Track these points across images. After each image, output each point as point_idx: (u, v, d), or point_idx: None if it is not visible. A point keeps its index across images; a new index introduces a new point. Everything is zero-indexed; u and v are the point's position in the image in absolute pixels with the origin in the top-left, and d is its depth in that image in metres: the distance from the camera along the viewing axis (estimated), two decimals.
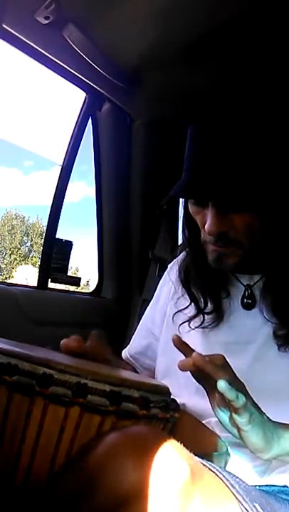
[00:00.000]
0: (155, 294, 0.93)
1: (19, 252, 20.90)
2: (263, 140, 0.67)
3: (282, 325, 0.71)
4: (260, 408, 0.59)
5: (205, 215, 0.69)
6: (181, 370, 0.59)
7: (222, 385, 0.53)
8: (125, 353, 0.92)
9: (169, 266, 0.92)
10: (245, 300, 0.76)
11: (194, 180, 0.69)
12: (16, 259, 20.69)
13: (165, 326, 0.85)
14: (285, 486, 0.67)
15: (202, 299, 0.78)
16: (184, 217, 0.78)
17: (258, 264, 0.75)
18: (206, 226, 0.69)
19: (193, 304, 0.79)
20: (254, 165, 0.66)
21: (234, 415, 0.55)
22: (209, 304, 0.77)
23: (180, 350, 0.64)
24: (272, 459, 0.60)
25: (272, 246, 0.72)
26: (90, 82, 1.34)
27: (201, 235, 0.73)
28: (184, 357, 0.72)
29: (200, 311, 0.78)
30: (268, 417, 0.59)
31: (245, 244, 0.70)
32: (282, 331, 0.70)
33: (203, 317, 0.77)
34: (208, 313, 0.77)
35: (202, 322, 0.77)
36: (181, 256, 0.85)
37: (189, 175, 0.70)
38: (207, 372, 0.57)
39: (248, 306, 0.76)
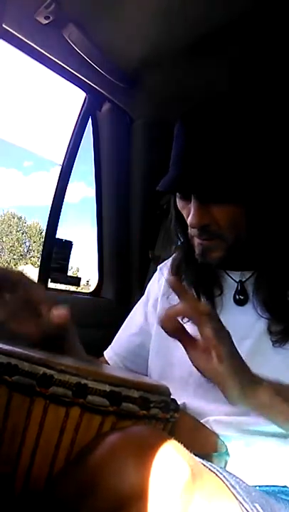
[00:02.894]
0: (145, 294, 0.91)
1: (17, 251, 20.90)
2: (242, 135, 0.69)
3: (275, 321, 0.71)
4: (242, 359, 0.59)
5: (190, 209, 0.70)
6: (166, 318, 0.58)
7: (208, 329, 0.54)
8: (109, 352, 0.89)
9: (162, 264, 0.92)
10: (237, 296, 0.76)
11: (175, 174, 0.71)
12: (13, 258, 20.69)
13: (157, 325, 0.84)
14: (285, 486, 0.67)
15: (195, 296, 0.78)
16: (174, 214, 0.79)
17: (248, 260, 0.75)
18: (188, 219, 0.70)
19: None
20: (234, 158, 0.67)
21: (217, 364, 0.55)
22: (202, 301, 0.77)
23: (177, 293, 0.61)
24: (248, 408, 0.60)
25: (260, 241, 0.72)
26: (90, 82, 1.34)
27: (188, 229, 0.74)
28: (179, 359, 0.72)
29: None
30: (248, 368, 0.59)
31: (229, 238, 0.71)
32: (276, 327, 0.71)
33: None
34: None
35: None
36: (175, 255, 0.86)
37: (171, 170, 0.72)
38: (194, 320, 0.57)
39: (240, 302, 0.76)
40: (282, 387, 0.61)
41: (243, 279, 0.77)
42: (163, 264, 0.92)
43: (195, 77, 1.25)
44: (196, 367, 0.59)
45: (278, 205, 0.72)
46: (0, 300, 0.55)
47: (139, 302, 0.92)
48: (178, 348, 0.77)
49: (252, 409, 0.60)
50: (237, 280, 0.77)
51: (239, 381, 0.57)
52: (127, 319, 0.92)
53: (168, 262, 0.88)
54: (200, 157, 0.68)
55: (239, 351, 0.72)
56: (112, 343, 0.91)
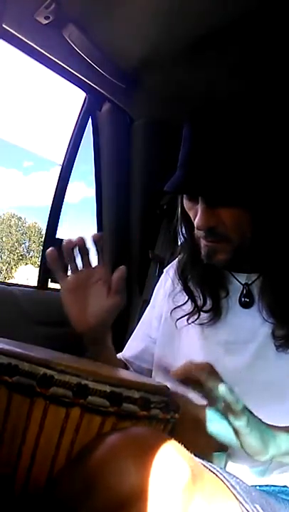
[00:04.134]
0: (152, 298, 0.92)
1: (16, 251, 20.93)
2: (251, 138, 0.68)
3: (280, 325, 0.71)
4: (251, 411, 0.59)
5: (197, 211, 0.70)
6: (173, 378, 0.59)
7: (223, 389, 0.53)
8: (120, 357, 0.91)
9: (169, 266, 0.92)
10: (242, 298, 0.76)
11: (183, 175, 0.70)
12: (13, 259, 20.70)
13: (162, 325, 0.84)
14: (285, 486, 0.67)
15: (201, 297, 0.78)
16: (180, 214, 0.79)
17: (254, 263, 0.75)
18: (195, 221, 0.70)
19: (190, 301, 0.79)
20: (242, 161, 0.67)
21: (233, 419, 0.55)
22: (207, 302, 0.77)
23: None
24: (269, 460, 0.60)
25: (266, 244, 0.72)
26: (90, 82, 1.34)
27: (195, 230, 0.74)
28: (181, 360, 0.72)
29: (197, 308, 0.78)
30: (259, 419, 0.59)
31: (235, 240, 0.71)
32: (280, 331, 0.70)
33: (199, 314, 0.77)
34: (205, 312, 0.77)
35: (198, 317, 0.77)
36: (181, 255, 0.86)
37: (179, 171, 0.71)
38: (199, 380, 0.56)
39: (245, 305, 0.76)
40: None
41: (249, 282, 0.77)
42: (169, 266, 0.92)
43: (195, 77, 1.25)
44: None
45: (285, 208, 0.71)
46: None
47: (147, 309, 0.93)
48: (180, 352, 0.78)
49: (274, 459, 0.60)
50: (243, 282, 0.77)
51: (259, 434, 0.56)
52: (137, 326, 0.93)
53: (173, 264, 0.88)
54: (208, 159, 0.67)
55: (243, 355, 0.72)
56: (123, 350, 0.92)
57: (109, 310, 0.77)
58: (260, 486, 0.66)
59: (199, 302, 0.78)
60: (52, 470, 0.42)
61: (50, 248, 0.76)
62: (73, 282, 0.77)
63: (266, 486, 0.67)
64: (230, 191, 0.67)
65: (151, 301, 0.92)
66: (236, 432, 0.55)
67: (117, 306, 0.77)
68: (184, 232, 0.80)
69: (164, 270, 0.93)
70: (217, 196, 0.68)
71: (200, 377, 0.56)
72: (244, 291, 0.76)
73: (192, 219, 0.73)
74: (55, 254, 0.76)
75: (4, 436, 0.43)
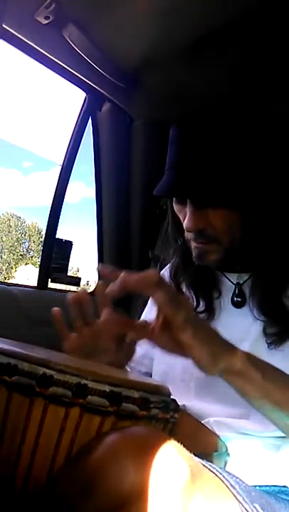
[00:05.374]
0: (149, 301, 0.92)
1: (16, 251, 20.95)
2: (237, 139, 0.68)
3: (271, 323, 0.71)
4: (207, 324, 0.59)
5: (186, 213, 0.71)
6: (109, 294, 0.59)
7: (159, 299, 0.53)
8: None
9: (163, 270, 0.93)
10: (235, 298, 0.77)
11: (170, 178, 0.71)
12: (13, 259, 20.72)
13: None
14: (285, 486, 0.67)
15: (194, 299, 0.78)
16: (170, 217, 0.79)
17: (245, 262, 0.76)
18: (184, 223, 0.71)
19: None
20: (229, 163, 0.67)
21: (178, 331, 0.54)
22: (201, 304, 0.78)
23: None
24: (219, 375, 0.58)
25: (256, 244, 0.72)
26: (90, 82, 1.34)
27: (185, 233, 0.74)
28: (180, 362, 0.72)
29: None
30: (217, 333, 0.58)
31: (225, 241, 0.71)
32: (271, 329, 0.71)
33: None
34: (199, 313, 0.77)
35: None
36: (173, 258, 0.87)
37: (167, 174, 0.72)
38: (142, 290, 0.56)
39: (237, 304, 0.76)
40: (258, 360, 0.59)
41: (241, 282, 0.77)
42: (164, 269, 0.92)
43: (195, 77, 1.25)
44: (161, 347, 0.59)
45: (274, 208, 0.72)
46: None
47: (143, 312, 0.93)
48: None
49: (225, 377, 0.58)
50: (234, 282, 0.78)
51: (208, 346, 0.55)
52: None
53: (167, 268, 0.89)
54: (195, 162, 0.68)
55: None
56: None
57: (120, 365, 0.72)
58: (260, 486, 0.66)
59: (192, 304, 0.78)
60: (52, 469, 0.42)
61: (55, 309, 0.70)
62: (78, 341, 0.71)
63: (266, 486, 0.67)
64: (218, 192, 0.68)
65: (148, 304, 0.92)
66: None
67: (127, 359, 0.74)
68: (174, 235, 0.80)
69: (161, 272, 0.93)
70: (205, 198, 0.69)
71: (141, 287, 0.57)
72: (236, 291, 0.77)
73: (182, 221, 0.73)
74: (60, 314, 0.71)
75: (4, 435, 0.43)
